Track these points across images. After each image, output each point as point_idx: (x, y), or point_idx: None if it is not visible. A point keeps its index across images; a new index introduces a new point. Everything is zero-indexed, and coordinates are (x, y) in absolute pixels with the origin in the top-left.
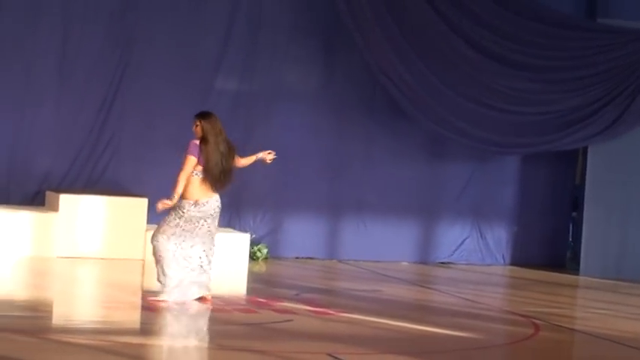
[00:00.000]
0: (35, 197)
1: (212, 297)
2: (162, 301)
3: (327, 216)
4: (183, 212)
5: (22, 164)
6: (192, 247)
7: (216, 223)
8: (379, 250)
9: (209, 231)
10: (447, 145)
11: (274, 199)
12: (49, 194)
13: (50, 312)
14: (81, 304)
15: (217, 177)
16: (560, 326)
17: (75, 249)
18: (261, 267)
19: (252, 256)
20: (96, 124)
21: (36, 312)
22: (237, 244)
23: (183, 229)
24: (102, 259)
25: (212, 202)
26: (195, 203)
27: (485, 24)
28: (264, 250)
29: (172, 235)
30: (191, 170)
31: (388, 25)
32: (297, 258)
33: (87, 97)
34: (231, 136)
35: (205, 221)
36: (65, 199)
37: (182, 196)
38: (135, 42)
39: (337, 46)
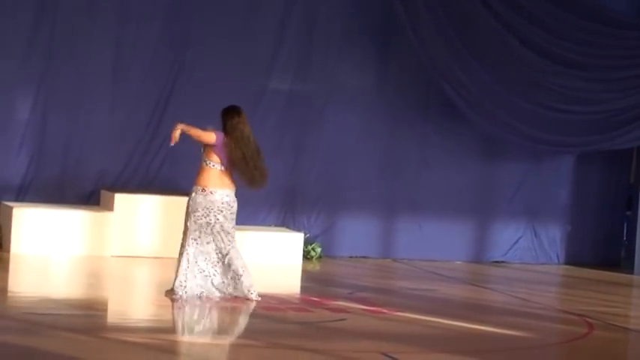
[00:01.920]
0: (90, 196)
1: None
2: (176, 297)
3: (381, 215)
4: (190, 202)
5: (78, 163)
6: (207, 243)
7: (230, 223)
8: (433, 249)
9: (222, 229)
10: (502, 145)
11: (328, 199)
12: (104, 193)
13: (105, 310)
14: (135, 302)
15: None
16: (615, 325)
17: (130, 248)
18: (315, 266)
19: (306, 255)
20: (151, 123)
21: (91, 310)
22: (291, 243)
23: (198, 231)
24: (157, 258)
25: (221, 193)
26: (203, 190)
27: (540, 23)
28: (318, 249)
29: (192, 239)
30: (203, 135)
31: (444, 26)
32: (350, 257)
33: (141, 96)
34: (285, 136)
35: (216, 218)
36: (120, 199)
37: (194, 182)
38: (189, 42)
39: (392, 47)
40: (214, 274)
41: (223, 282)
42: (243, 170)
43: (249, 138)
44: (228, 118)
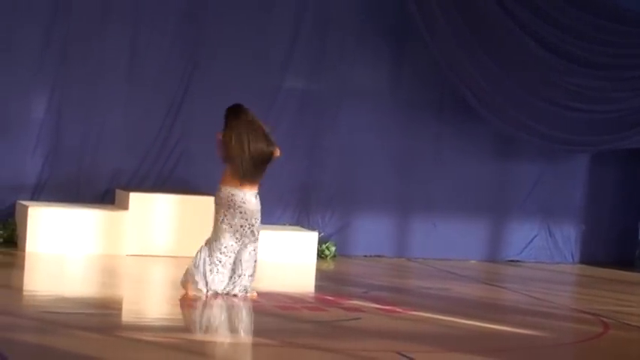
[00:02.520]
0: (105, 195)
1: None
2: (201, 295)
3: (395, 214)
4: (219, 201)
5: (92, 163)
6: (232, 244)
7: (250, 221)
8: (448, 248)
9: (241, 227)
10: (516, 144)
11: (343, 198)
12: (119, 192)
13: (120, 309)
14: (150, 301)
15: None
16: (630, 325)
17: (144, 247)
18: (329, 265)
19: (321, 254)
20: (165, 122)
21: (106, 309)
22: (305, 242)
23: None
24: (171, 256)
25: (242, 193)
26: (232, 190)
27: (555, 22)
28: (333, 248)
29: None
30: None
31: (458, 24)
32: (365, 256)
33: (156, 96)
34: (300, 135)
35: (240, 220)
36: (135, 198)
37: (221, 181)
38: (203, 43)
39: (405, 46)
40: (225, 272)
41: (228, 280)
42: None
43: (241, 137)
44: (227, 119)
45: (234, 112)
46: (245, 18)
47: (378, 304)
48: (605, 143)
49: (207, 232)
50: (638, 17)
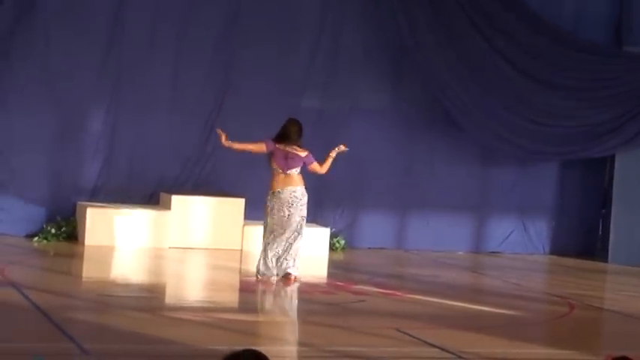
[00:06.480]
0: (151, 197)
1: (297, 278)
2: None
3: (395, 212)
4: (266, 204)
5: (141, 170)
6: (281, 235)
7: (301, 213)
8: (439, 241)
9: (290, 221)
10: (496, 153)
11: (351, 198)
12: (163, 195)
13: (163, 293)
14: (188, 286)
15: None
16: (592, 306)
17: (184, 241)
18: (339, 256)
19: (332, 247)
20: (202, 135)
21: (152, 293)
22: (319, 236)
23: (274, 224)
24: (206, 249)
25: (287, 191)
26: (273, 193)
27: (528, 51)
28: (342, 242)
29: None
30: (249, 145)
31: (448, 54)
32: (370, 248)
33: (194, 113)
34: (315, 146)
35: (289, 210)
36: (176, 199)
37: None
38: (234, 67)
39: (404, 72)
40: (284, 259)
41: (286, 263)
42: None
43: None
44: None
45: None
46: (269, 46)
47: (380, 288)
48: (571, 153)
49: (237, 228)
50: (600, 49)
